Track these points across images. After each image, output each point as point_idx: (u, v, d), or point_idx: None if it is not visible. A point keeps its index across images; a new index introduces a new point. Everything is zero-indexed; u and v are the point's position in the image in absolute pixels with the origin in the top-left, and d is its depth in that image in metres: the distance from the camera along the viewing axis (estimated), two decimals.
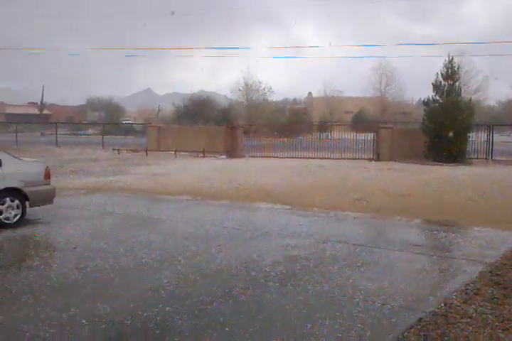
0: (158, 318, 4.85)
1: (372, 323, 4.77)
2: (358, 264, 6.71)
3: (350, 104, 65.60)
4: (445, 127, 21.90)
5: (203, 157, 25.72)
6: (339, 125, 32.03)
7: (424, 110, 23.68)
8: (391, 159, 22.86)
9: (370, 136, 24.62)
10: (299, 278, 6.11)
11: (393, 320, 4.84)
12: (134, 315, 4.94)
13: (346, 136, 26.41)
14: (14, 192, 9.00)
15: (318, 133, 30.71)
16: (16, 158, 9.58)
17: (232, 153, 25.74)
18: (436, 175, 17.25)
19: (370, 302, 5.31)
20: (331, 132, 30.22)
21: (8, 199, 8.88)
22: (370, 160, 23.17)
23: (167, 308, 5.11)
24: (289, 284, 5.88)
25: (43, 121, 67.28)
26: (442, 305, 5.22)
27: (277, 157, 24.88)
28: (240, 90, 60.82)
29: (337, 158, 23.91)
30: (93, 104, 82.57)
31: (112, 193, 13.19)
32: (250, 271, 6.37)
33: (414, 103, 67.70)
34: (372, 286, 5.81)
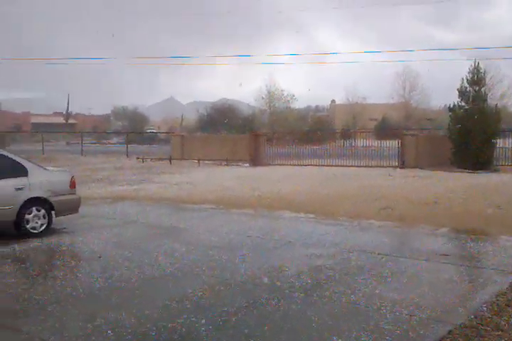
0: (183, 329, 4.83)
1: (400, 335, 4.68)
2: (384, 274, 6.61)
3: (374, 110, 65.12)
4: (471, 133, 21.59)
5: (226, 165, 25.77)
6: (363, 132, 31.83)
7: (450, 116, 23.36)
8: (416, 166, 22.59)
9: (395, 143, 24.37)
10: (325, 288, 6.04)
11: (421, 332, 4.74)
12: (159, 325, 4.92)
13: (370, 143, 26.21)
14: (40, 202, 9.10)
15: (342, 141, 30.55)
16: (42, 167, 9.70)
17: (255, 161, 25.72)
18: (463, 182, 16.98)
19: (397, 313, 5.22)
20: (354, 139, 30.04)
21: (34, 208, 8.99)
22: (395, 167, 22.92)
23: (192, 319, 5.08)
24: (314, 295, 5.82)
25: (68, 131, 68.25)
26: (472, 316, 5.10)
27: (300, 165, 24.79)
28: (262, 98, 61.00)
29: (361, 166, 23.73)
30: (117, 113, 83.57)
31: (136, 202, 13.26)
32: (275, 281, 6.31)
33: (439, 109, 66.98)
34: (399, 297, 5.71)
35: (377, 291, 5.92)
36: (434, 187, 15.48)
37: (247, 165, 25.65)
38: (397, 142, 24.21)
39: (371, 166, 23.48)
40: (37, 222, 9.01)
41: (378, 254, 7.64)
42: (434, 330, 4.78)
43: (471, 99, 22.72)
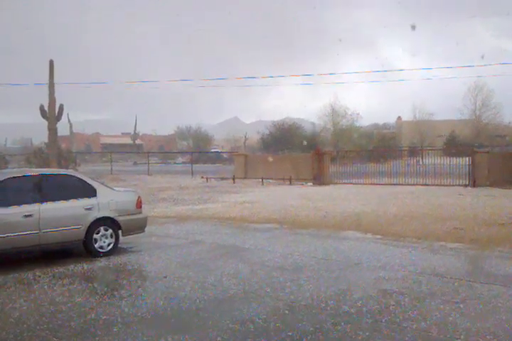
0: None
1: None
2: (457, 300, 6.26)
3: (442, 127, 63.31)
4: None
5: (290, 184, 25.65)
6: (430, 149, 30.93)
7: None
8: (488, 185, 21.66)
9: (465, 160, 23.47)
10: (394, 314, 5.77)
11: None
12: None
13: (438, 161, 25.35)
14: (108, 222, 9.30)
15: (409, 159, 29.77)
16: (110, 187, 9.94)
17: (319, 180, 25.47)
18: None
19: None
20: (422, 157, 29.22)
21: (102, 228, 9.20)
22: (466, 186, 22.07)
23: None
24: (382, 320, 5.57)
25: (135, 151, 70.31)
26: None
27: (366, 184, 24.33)
28: (327, 116, 60.77)
29: (429, 185, 23.00)
30: (182, 133, 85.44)
31: (201, 221, 13.35)
32: (341, 305, 6.11)
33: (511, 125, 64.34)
34: (474, 325, 5.37)
35: (450, 318, 5.60)
36: (508, 207, 14.74)
37: (311, 184, 25.43)
38: (467, 159, 23.32)
39: (440, 185, 22.70)
40: (104, 242, 9.19)
41: (450, 278, 7.27)
42: None
43: None
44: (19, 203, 8.45)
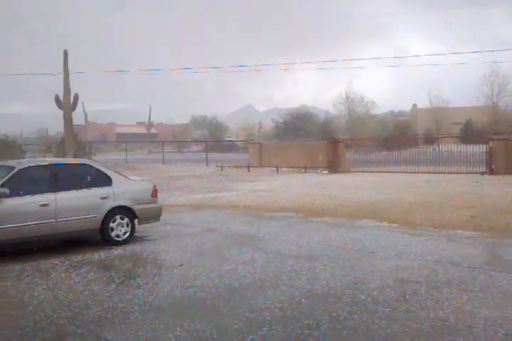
0: None
1: None
2: (475, 289, 6.20)
3: (458, 114, 62.56)
4: None
5: (305, 172, 25.58)
6: (446, 137, 30.64)
7: None
8: (506, 173, 21.39)
9: (482, 147, 23.19)
10: (411, 303, 5.73)
11: None
12: (239, 337, 4.84)
13: (454, 149, 25.08)
14: (124, 210, 9.34)
15: (424, 146, 29.50)
16: (125, 176, 9.97)
17: (334, 168, 25.37)
18: None
19: (491, 332, 4.85)
20: (437, 144, 28.94)
21: (118, 217, 9.24)
22: (482, 174, 21.82)
23: (272, 331, 4.96)
24: (399, 309, 5.53)
25: (150, 140, 70.54)
26: None
27: (381, 172, 24.17)
28: (342, 104, 60.38)
29: (445, 172, 22.79)
30: (197, 122, 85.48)
31: (216, 210, 13.37)
32: (357, 294, 6.08)
33: None
34: (492, 314, 5.31)
35: (468, 307, 5.55)
36: None
37: (326, 172, 25.34)
38: (484, 147, 23.04)
39: (456, 172, 22.49)
40: (120, 230, 9.24)
41: (468, 267, 7.20)
42: None
43: None
44: (35, 192, 8.52)
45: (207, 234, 10.09)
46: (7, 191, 8.10)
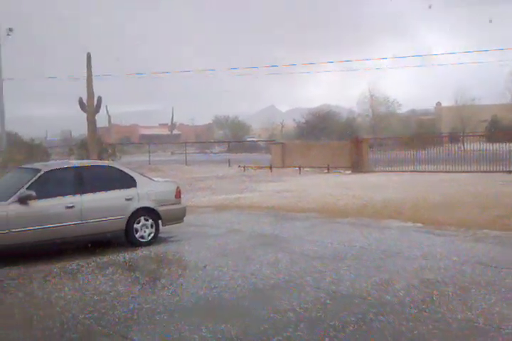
0: None
1: None
2: (504, 290, 6.09)
3: (485, 112, 61.45)
4: None
5: (328, 172, 25.46)
6: (472, 135, 30.20)
7: None
8: None
9: (509, 146, 22.79)
10: (438, 304, 5.66)
11: None
12: (264, 339, 4.83)
13: (480, 147, 24.68)
14: (148, 212, 9.40)
15: (449, 145, 29.10)
16: (149, 178, 10.04)
17: (357, 167, 25.19)
18: None
19: None
20: (463, 143, 28.53)
21: (142, 218, 9.31)
22: (509, 172, 21.46)
23: (297, 333, 4.94)
24: (426, 311, 5.47)
25: (173, 141, 70.92)
26: None
27: (405, 171, 23.90)
28: (365, 103, 59.96)
29: (471, 171, 22.43)
30: (219, 122, 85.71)
31: (239, 210, 13.38)
32: (383, 295, 6.02)
33: None
34: None
35: (496, 308, 5.45)
36: None
37: (349, 172, 25.18)
38: (510, 145, 22.65)
39: (482, 171, 22.15)
40: (145, 231, 9.31)
41: (495, 267, 7.09)
42: None
43: None
44: (61, 194, 8.63)
45: (230, 235, 10.10)
46: (33, 193, 8.23)
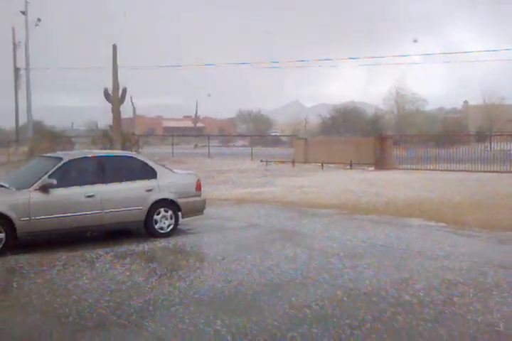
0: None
1: None
2: None
3: None
4: None
5: (350, 169, 25.24)
6: (499, 135, 29.63)
7: None
8: None
9: None
10: (458, 305, 5.53)
11: None
12: (279, 334, 4.77)
13: (508, 147, 24.17)
14: (168, 203, 9.41)
15: (476, 144, 28.59)
16: (170, 170, 10.04)
17: (381, 164, 24.92)
18: None
19: None
20: (490, 142, 28.01)
21: (162, 209, 9.32)
22: None
23: (313, 330, 4.87)
24: (446, 312, 5.35)
25: (196, 134, 71.13)
26: None
27: (430, 169, 23.57)
28: (391, 100, 59.29)
29: (498, 172, 22.01)
30: (243, 117, 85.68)
31: (259, 205, 13.33)
32: (402, 294, 5.91)
33: None
34: None
35: None
36: None
37: (372, 168, 24.93)
38: None
39: (510, 172, 21.72)
40: (164, 223, 9.32)
41: None
42: None
43: None
44: (82, 184, 8.69)
45: (250, 229, 10.06)
46: (54, 182, 8.29)
